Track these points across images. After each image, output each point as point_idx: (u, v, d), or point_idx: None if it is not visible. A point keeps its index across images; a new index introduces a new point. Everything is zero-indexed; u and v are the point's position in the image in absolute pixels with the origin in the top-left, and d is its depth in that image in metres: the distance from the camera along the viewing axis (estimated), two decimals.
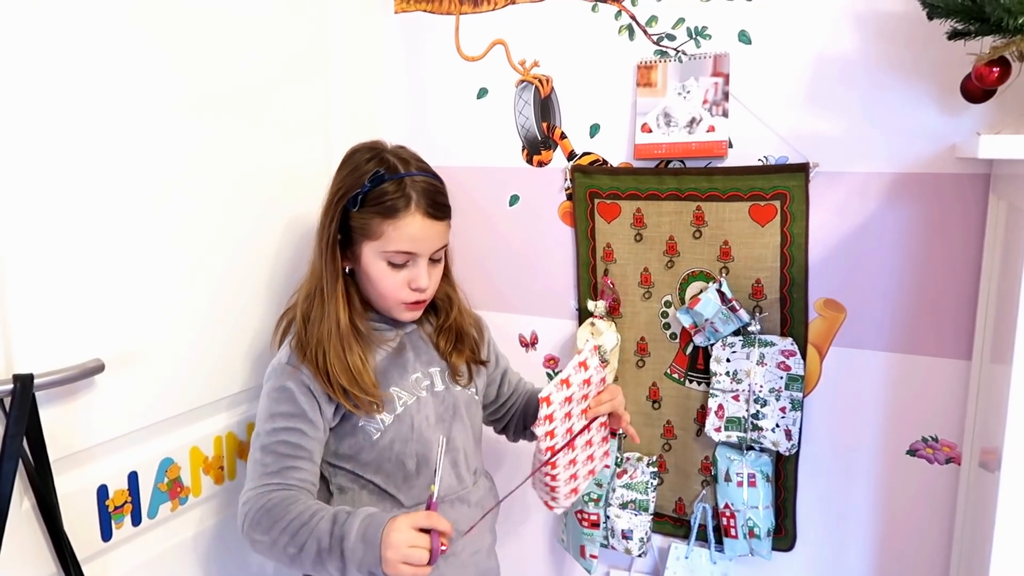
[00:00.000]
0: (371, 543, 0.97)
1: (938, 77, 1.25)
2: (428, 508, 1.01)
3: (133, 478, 1.14)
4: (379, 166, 1.12)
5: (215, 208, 1.24)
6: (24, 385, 0.91)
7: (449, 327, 1.25)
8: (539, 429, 1.08)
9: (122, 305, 1.10)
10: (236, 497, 1.32)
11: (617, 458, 1.54)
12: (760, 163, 1.39)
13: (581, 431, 1.15)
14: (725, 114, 1.39)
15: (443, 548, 0.98)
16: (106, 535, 1.11)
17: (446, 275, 1.25)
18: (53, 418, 1.00)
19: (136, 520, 1.15)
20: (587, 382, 1.13)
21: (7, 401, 0.92)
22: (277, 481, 1.07)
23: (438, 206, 1.13)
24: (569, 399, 1.10)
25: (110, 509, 1.11)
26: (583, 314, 1.57)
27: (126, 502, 1.13)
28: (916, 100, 1.27)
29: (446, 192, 1.17)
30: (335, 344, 1.11)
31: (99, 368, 1.02)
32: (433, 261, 1.16)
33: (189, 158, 1.18)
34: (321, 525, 1.01)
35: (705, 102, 1.40)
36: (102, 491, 1.09)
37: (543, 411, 1.06)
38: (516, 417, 1.39)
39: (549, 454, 1.10)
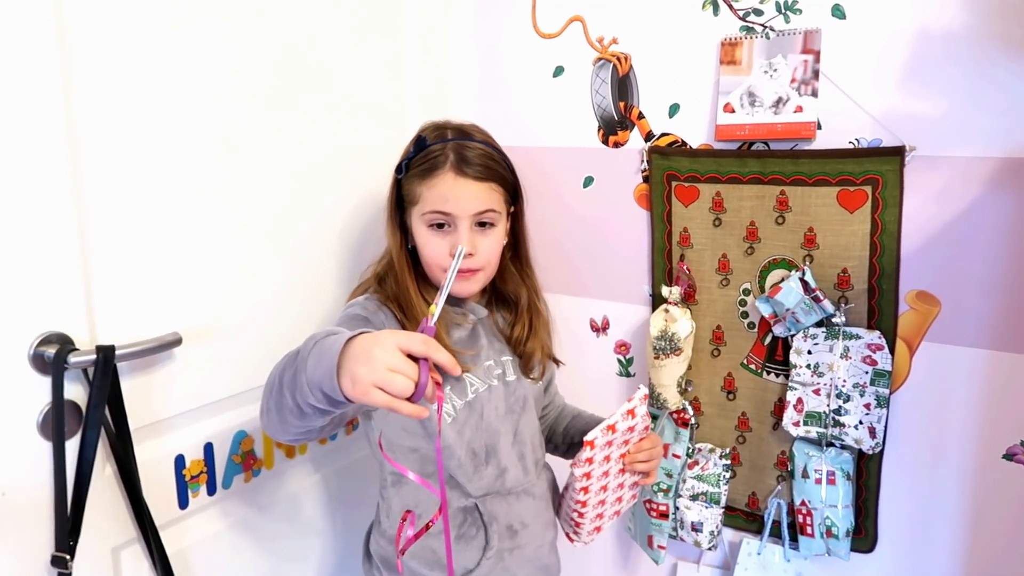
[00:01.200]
0: (330, 349, 0.76)
1: None
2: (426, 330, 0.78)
3: (209, 449, 1.17)
4: (421, 134, 1.12)
5: (291, 186, 1.25)
6: (107, 356, 0.94)
7: (522, 312, 1.23)
8: (578, 470, 1.09)
9: (201, 281, 1.12)
10: (307, 470, 1.36)
11: (689, 448, 1.50)
12: (851, 146, 1.31)
13: (616, 475, 1.16)
14: (815, 94, 1.32)
15: (439, 395, 0.77)
16: (183, 503, 1.14)
17: (520, 267, 1.23)
18: (133, 388, 1.04)
19: (211, 490, 1.18)
20: (631, 429, 1.11)
21: (91, 371, 0.95)
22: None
23: (475, 165, 1.09)
24: (611, 443, 1.10)
25: (187, 478, 1.14)
26: (657, 300, 1.53)
27: (202, 472, 1.16)
28: None
29: (497, 157, 1.13)
30: (418, 301, 1.10)
31: (177, 341, 1.05)
32: (480, 226, 1.11)
33: (266, 137, 1.20)
34: (289, 355, 0.85)
35: (793, 81, 1.33)
36: (179, 460, 1.12)
37: (585, 453, 1.07)
38: (546, 430, 1.35)
39: (583, 494, 1.11)
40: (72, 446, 0.95)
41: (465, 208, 1.09)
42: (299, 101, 1.25)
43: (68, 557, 0.92)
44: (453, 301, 1.17)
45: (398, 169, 1.13)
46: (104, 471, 1.02)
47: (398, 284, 1.12)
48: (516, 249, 1.24)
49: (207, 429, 1.17)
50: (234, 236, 1.17)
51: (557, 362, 1.30)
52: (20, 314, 0.91)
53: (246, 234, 1.19)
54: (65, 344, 0.93)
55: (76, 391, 0.97)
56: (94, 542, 1.01)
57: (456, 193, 1.08)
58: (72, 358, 0.92)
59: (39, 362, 0.92)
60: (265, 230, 1.22)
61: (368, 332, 0.77)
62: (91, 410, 0.94)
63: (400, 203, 1.14)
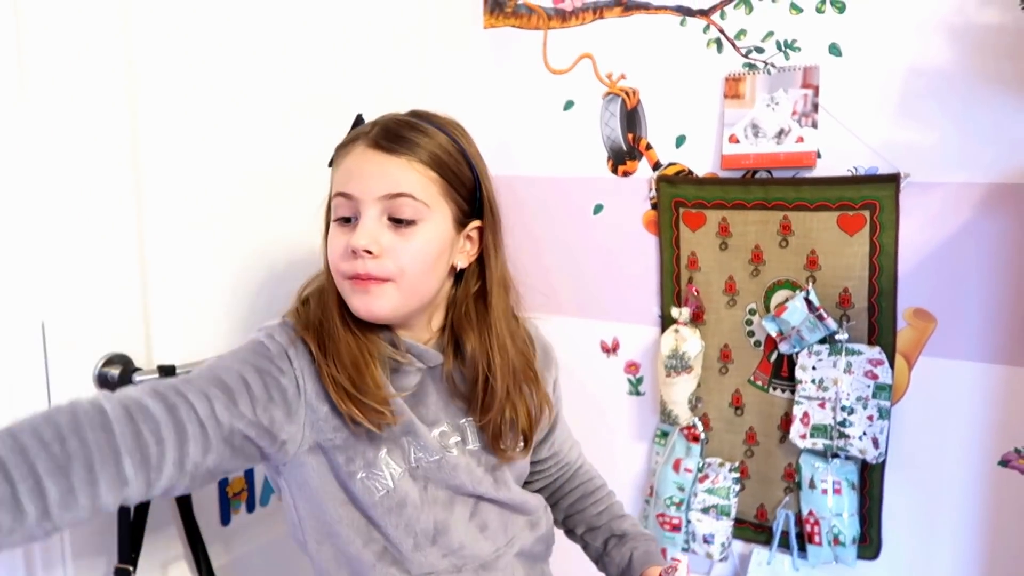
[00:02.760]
0: None
1: None
2: None
3: (250, 469, 1.21)
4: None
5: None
6: (168, 375, 0.98)
7: (478, 389, 0.91)
8: None
9: (253, 301, 1.17)
10: None
11: (699, 463, 1.56)
12: (850, 173, 1.40)
13: None
14: (814, 125, 1.41)
15: None
16: (225, 519, 1.18)
17: (483, 312, 0.91)
18: None
19: (251, 507, 1.22)
20: None
21: None
22: (148, 393, 0.74)
23: (399, 139, 0.82)
24: None
25: (229, 495, 1.18)
26: (666, 321, 1.60)
27: (243, 490, 1.20)
28: (1011, 110, 1.28)
29: (447, 144, 0.86)
30: (343, 333, 0.84)
31: None
32: (394, 221, 0.82)
33: (296, 164, 1.25)
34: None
35: (794, 113, 1.42)
36: (223, 479, 1.16)
37: None
38: (547, 491, 1.13)
39: None
40: None
41: (371, 189, 0.81)
42: (319, 134, 1.31)
43: (131, 569, 0.95)
44: (389, 336, 0.88)
45: (331, 161, 0.89)
46: None
47: (322, 306, 0.85)
48: (482, 283, 0.92)
49: None
50: (284, 258, 1.21)
51: (531, 442, 0.98)
52: (85, 336, 0.96)
53: (294, 257, 1.23)
54: (127, 364, 0.98)
55: None
56: (147, 556, 1.04)
57: (363, 169, 0.82)
58: (136, 377, 0.96)
59: (104, 381, 0.96)
60: (310, 251, 1.26)
61: None
62: None
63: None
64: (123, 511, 0.96)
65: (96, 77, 0.94)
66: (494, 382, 0.90)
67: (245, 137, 1.15)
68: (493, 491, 0.93)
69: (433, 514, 0.88)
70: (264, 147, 1.18)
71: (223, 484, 1.16)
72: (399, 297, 0.83)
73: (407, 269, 0.83)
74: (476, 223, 0.90)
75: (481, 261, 0.92)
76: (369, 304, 0.83)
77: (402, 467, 0.86)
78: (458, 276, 0.92)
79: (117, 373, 0.96)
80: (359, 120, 0.89)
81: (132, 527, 0.98)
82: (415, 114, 0.89)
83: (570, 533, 1.16)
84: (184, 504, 1.06)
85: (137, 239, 1.00)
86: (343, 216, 0.84)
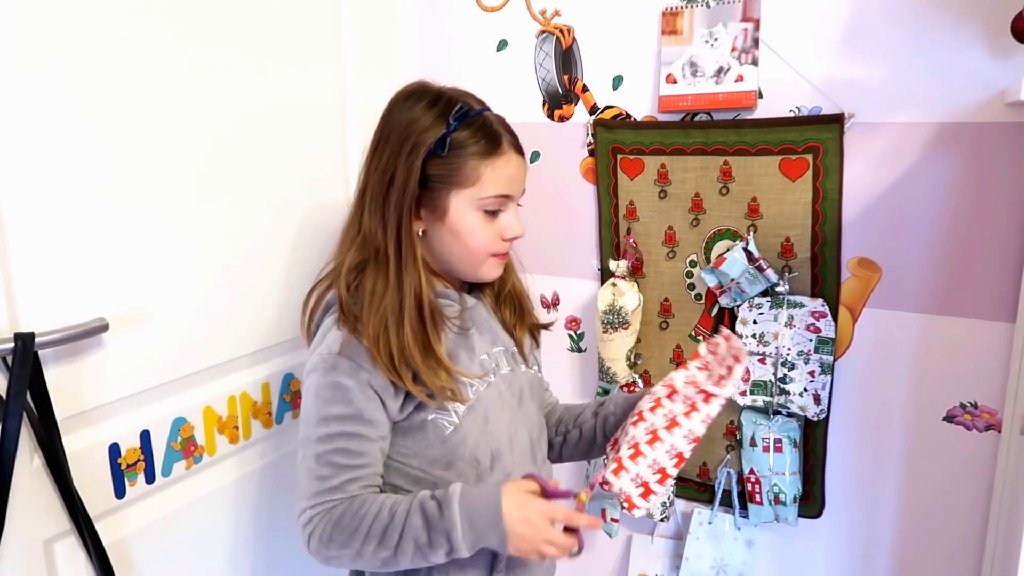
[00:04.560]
0: (486, 533, 0.90)
1: (986, 17, 1.16)
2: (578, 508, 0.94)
3: (145, 437, 1.14)
4: (450, 105, 0.98)
5: (223, 161, 1.21)
6: (25, 343, 0.90)
7: (509, 294, 1.12)
8: (646, 402, 0.97)
9: (128, 263, 1.08)
10: (252, 456, 1.34)
11: None
12: (792, 114, 1.31)
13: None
14: (755, 62, 1.31)
15: (581, 542, 0.95)
16: (119, 492, 1.11)
17: None
18: (60, 377, 1.00)
19: (150, 478, 1.15)
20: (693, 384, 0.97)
21: (9, 360, 0.91)
22: (339, 497, 0.95)
23: (519, 142, 1.03)
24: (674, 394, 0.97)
25: (123, 467, 1.11)
26: (605, 274, 1.52)
27: (139, 460, 1.13)
28: (962, 43, 1.18)
29: None
30: (410, 320, 0.95)
31: (103, 327, 1.01)
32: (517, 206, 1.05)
33: (195, 111, 1.16)
34: (411, 521, 0.92)
35: (734, 50, 1.32)
36: (114, 449, 1.09)
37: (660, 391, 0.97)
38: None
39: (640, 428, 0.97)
40: None
41: (521, 189, 1.04)
42: (230, 72, 1.21)
43: None
44: (447, 292, 1.05)
45: (438, 145, 0.96)
46: (32, 462, 0.98)
47: (398, 292, 0.96)
48: None
49: (143, 417, 1.14)
50: (164, 214, 1.13)
51: (546, 327, 1.19)
52: None
53: (177, 212, 1.14)
54: None
55: None
56: (24, 535, 0.97)
57: (520, 174, 1.02)
58: None
59: None
60: (197, 208, 1.18)
61: (504, 497, 0.91)
62: (11, 400, 0.90)
63: (423, 184, 0.98)
64: None
65: None
66: (516, 281, 1.15)
67: (111, 85, 1.05)
68: (518, 408, 1.08)
69: (490, 444, 1.02)
70: (132, 96, 1.08)
71: (115, 455, 1.10)
72: None
73: None
74: None
75: None
76: (500, 271, 1.07)
77: (464, 404, 1.01)
78: None
79: None
80: (465, 111, 0.98)
81: None
82: (482, 103, 1.03)
83: (564, 448, 1.20)
84: (61, 477, 0.99)
85: None
86: (494, 210, 1.00)
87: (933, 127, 1.23)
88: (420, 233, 1.01)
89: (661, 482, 0.94)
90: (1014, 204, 1.20)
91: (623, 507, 0.95)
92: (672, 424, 0.95)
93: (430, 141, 0.96)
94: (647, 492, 0.94)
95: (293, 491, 1.40)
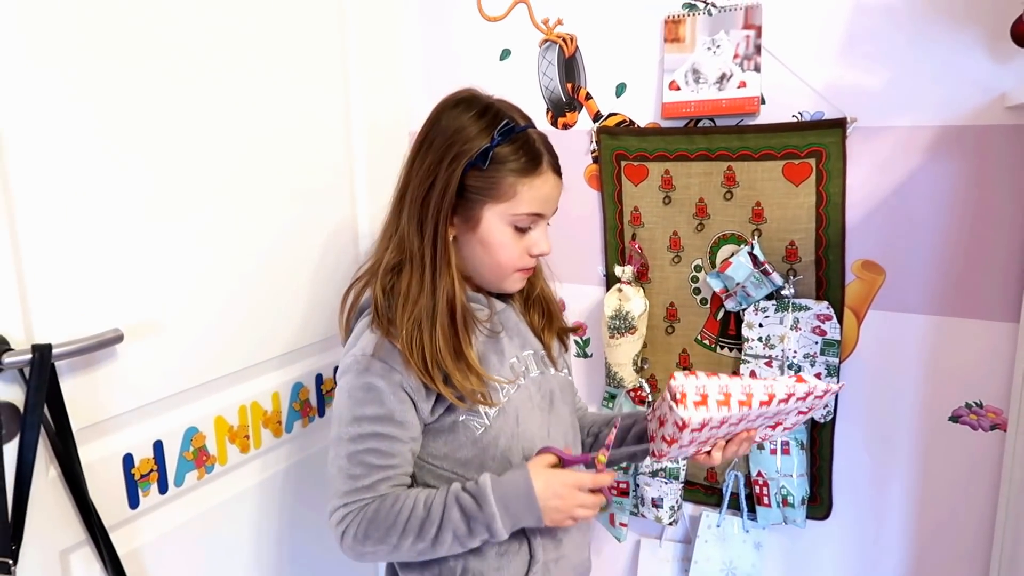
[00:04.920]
0: (522, 514, 0.96)
1: (986, 21, 1.17)
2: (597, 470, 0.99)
3: (158, 447, 1.14)
4: (497, 119, 0.99)
5: (235, 174, 1.23)
6: (43, 355, 0.91)
7: (537, 298, 1.15)
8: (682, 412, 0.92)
9: (142, 275, 1.09)
10: (262, 464, 1.34)
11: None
12: (794, 119, 1.33)
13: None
14: (757, 69, 1.33)
15: (609, 497, 1.02)
16: (133, 503, 1.11)
17: None
18: (75, 388, 1.01)
19: (163, 488, 1.16)
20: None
21: (27, 371, 0.92)
22: (370, 496, 0.98)
23: (559, 162, 1.05)
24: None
25: (136, 477, 1.11)
26: (611, 280, 1.53)
27: (152, 470, 1.14)
28: (963, 47, 1.20)
29: None
30: (442, 323, 0.98)
31: (118, 338, 1.02)
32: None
33: (206, 126, 1.17)
34: (449, 515, 0.96)
35: (736, 57, 1.34)
36: (127, 460, 1.10)
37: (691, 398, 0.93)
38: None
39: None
40: (11, 449, 0.92)
41: (554, 208, 1.06)
42: (239, 86, 1.22)
43: (11, 562, 0.89)
44: (477, 297, 1.08)
45: (480, 158, 0.97)
46: (48, 473, 0.99)
47: (433, 296, 0.98)
48: None
49: (156, 427, 1.14)
50: (177, 226, 1.14)
51: (574, 331, 1.24)
52: None
53: (189, 224, 1.16)
54: (1, 344, 0.90)
55: (13, 392, 0.94)
56: (41, 546, 0.98)
57: (555, 194, 1.04)
58: (7, 358, 0.89)
59: None
60: (209, 220, 1.19)
61: (533, 477, 0.96)
62: (29, 412, 0.91)
63: (460, 192, 0.99)
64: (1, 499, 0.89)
65: None
66: (544, 286, 1.17)
67: (126, 100, 1.06)
68: (549, 411, 1.10)
69: (522, 444, 1.04)
70: (147, 110, 1.09)
71: (128, 465, 1.10)
72: None
73: None
74: None
75: None
76: (522, 284, 1.09)
77: (495, 407, 1.02)
78: None
79: None
80: (511, 128, 0.99)
81: (14, 515, 0.91)
82: (528, 119, 1.05)
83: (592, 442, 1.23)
84: (77, 488, 0.99)
85: (7, 209, 0.92)
86: (525, 227, 1.02)
87: (935, 131, 1.25)
88: (451, 239, 1.02)
89: (722, 404, 0.93)
90: (1016, 206, 1.21)
91: (674, 402, 0.92)
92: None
93: (473, 152, 0.98)
94: (703, 401, 0.93)
95: (304, 499, 1.42)
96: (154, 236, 1.10)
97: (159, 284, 1.12)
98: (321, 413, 1.46)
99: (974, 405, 1.30)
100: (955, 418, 1.32)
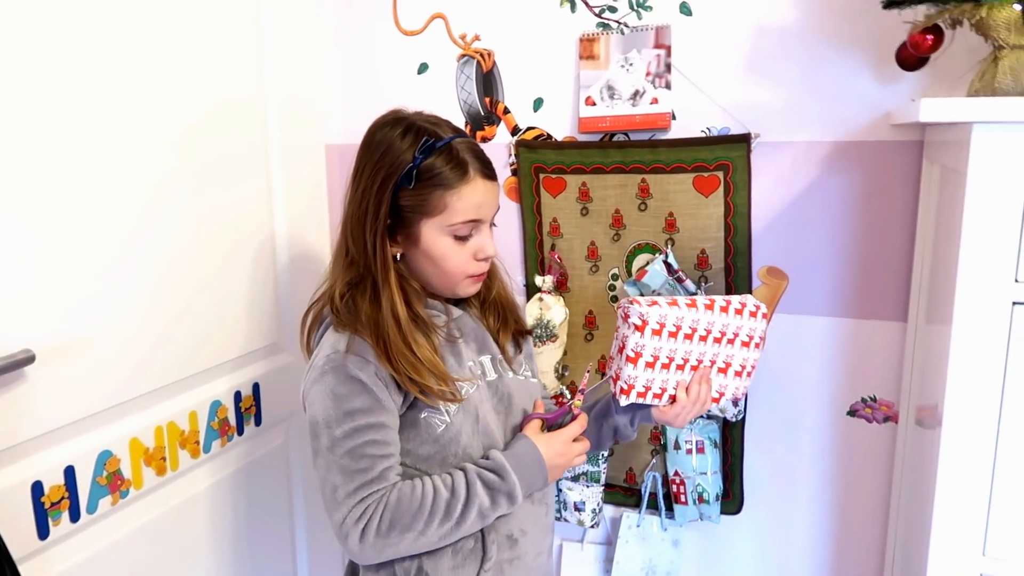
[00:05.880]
0: (535, 479, 1.05)
1: (874, 46, 1.28)
2: (573, 417, 1.09)
3: (70, 472, 1.08)
4: (418, 137, 1.02)
5: (148, 190, 1.18)
6: None
7: (494, 300, 1.17)
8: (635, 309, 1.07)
9: (53, 294, 1.04)
10: (180, 487, 1.29)
11: None
12: (703, 134, 1.40)
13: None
14: (668, 86, 1.39)
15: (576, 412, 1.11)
16: (43, 533, 1.05)
17: None
18: None
19: (75, 516, 1.10)
20: (728, 335, 1.13)
21: None
22: (384, 486, 1.00)
23: (490, 165, 1.06)
24: (695, 331, 1.10)
25: (46, 506, 1.05)
26: (531, 290, 1.56)
27: (63, 498, 1.08)
28: (853, 69, 1.30)
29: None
30: (395, 339, 1.00)
31: (29, 359, 0.97)
32: (491, 226, 1.10)
33: (124, 136, 1.12)
34: (473, 489, 1.01)
35: (648, 74, 1.40)
36: (36, 488, 1.04)
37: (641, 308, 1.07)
38: None
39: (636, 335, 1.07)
40: None
41: (492, 212, 1.07)
42: (150, 95, 1.18)
43: None
44: (434, 304, 1.10)
45: (404, 179, 1.00)
46: None
47: (384, 312, 1.01)
48: None
49: (67, 452, 1.08)
50: (89, 244, 1.09)
51: (528, 332, 1.23)
52: None
53: (102, 242, 1.11)
54: None
55: None
56: None
57: (487, 198, 1.05)
58: None
59: None
60: (123, 237, 1.14)
61: (536, 444, 1.06)
62: None
63: (394, 215, 1.03)
64: None
65: None
66: (501, 288, 1.19)
67: (37, 107, 1.01)
68: (507, 414, 1.14)
69: (483, 441, 1.08)
70: (59, 117, 1.04)
71: (37, 493, 1.04)
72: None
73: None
74: None
75: None
76: (478, 287, 1.11)
77: (455, 404, 1.05)
78: None
79: None
80: (431, 144, 1.01)
81: None
82: (456, 129, 1.07)
83: None
84: None
85: None
86: (464, 235, 1.04)
87: (829, 146, 1.35)
88: (399, 256, 1.06)
89: (672, 304, 1.09)
90: (902, 214, 1.33)
91: (629, 304, 1.08)
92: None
93: (399, 173, 1.01)
94: (654, 303, 1.08)
95: (225, 520, 1.38)
96: (65, 254, 1.05)
97: (72, 302, 1.07)
98: (240, 431, 1.42)
99: (869, 400, 1.40)
100: (852, 412, 1.42)
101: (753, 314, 1.15)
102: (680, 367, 1.11)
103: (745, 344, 1.15)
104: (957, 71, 1.22)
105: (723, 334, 1.12)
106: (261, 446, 1.49)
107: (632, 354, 1.07)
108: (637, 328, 1.06)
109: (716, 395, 1.16)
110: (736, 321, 1.13)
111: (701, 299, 1.11)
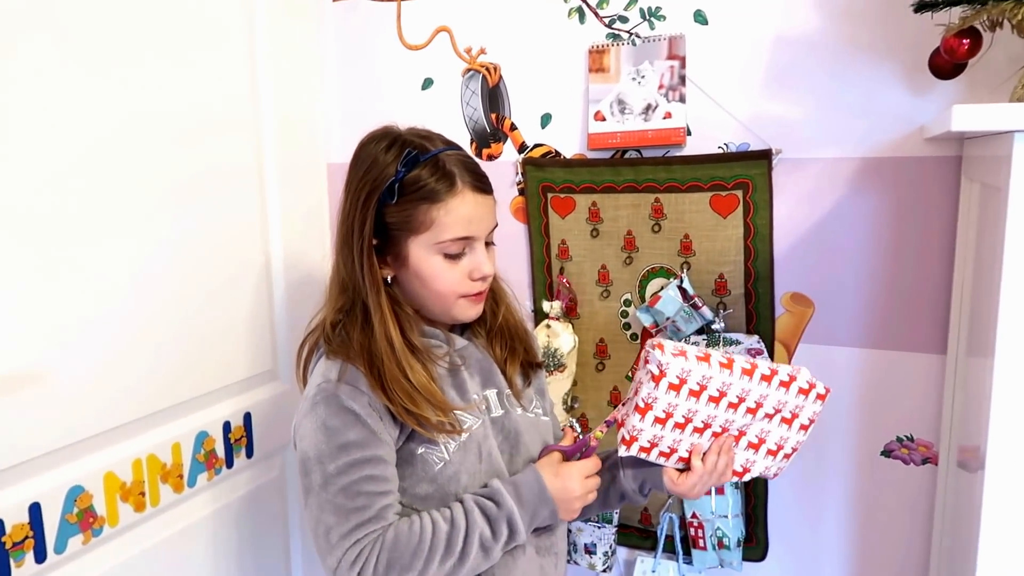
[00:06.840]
0: (539, 510, 0.96)
1: (905, 54, 1.18)
2: (587, 452, 1.01)
3: (35, 510, 1.02)
4: (400, 151, 0.95)
5: (131, 208, 1.13)
6: None
7: (501, 328, 1.09)
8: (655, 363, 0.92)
9: (18, 320, 0.98)
10: (160, 524, 1.23)
11: None
12: (720, 151, 1.31)
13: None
14: (682, 99, 1.31)
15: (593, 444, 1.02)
16: (3, 574, 0.99)
17: None
18: None
19: (40, 557, 1.03)
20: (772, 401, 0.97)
21: None
22: (381, 525, 0.93)
23: (483, 178, 0.99)
24: (725, 394, 0.94)
25: (7, 546, 0.99)
26: (539, 315, 1.48)
27: (27, 537, 1.01)
28: (883, 79, 1.21)
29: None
30: (389, 366, 0.94)
31: None
32: (488, 244, 1.01)
33: (110, 157, 1.07)
34: (472, 518, 0.94)
35: (661, 87, 1.32)
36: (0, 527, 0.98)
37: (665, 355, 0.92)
38: None
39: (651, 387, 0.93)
40: None
41: (486, 228, 0.99)
42: (144, 120, 1.13)
43: None
44: (435, 332, 1.03)
45: (386, 194, 0.94)
46: None
47: (377, 339, 0.95)
48: None
49: (33, 488, 1.02)
50: (59, 269, 1.03)
51: (539, 365, 1.14)
52: None
53: (73, 267, 1.05)
54: None
55: None
56: None
57: (478, 212, 0.97)
58: None
59: None
60: (95, 262, 1.08)
61: (542, 474, 0.98)
62: None
63: (381, 234, 0.97)
64: None
65: None
66: (508, 315, 1.10)
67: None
68: (513, 452, 1.05)
69: (487, 482, 1.00)
70: (26, 134, 0.99)
71: None
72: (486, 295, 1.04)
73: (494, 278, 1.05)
74: None
75: None
76: (478, 310, 1.02)
77: (455, 441, 0.98)
78: None
79: None
80: (414, 156, 0.95)
81: None
82: (448, 142, 1.01)
83: None
84: None
85: None
86: (456, 253, 0.97)
87: (857, 162, 1.25)
88: (389, 279, 1.00)
89: (701, 360, 0.94)
90: (939, 236, 1.22)
91: (651, 349, 0.94)
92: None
93: (381, 188, 0.95)
94: (681, 354, 0.93)
95: (209, 560, 1.30)
96: (33, 280, 0.99)
97: (38, 328, 1.01)
98: (229, 464, 1.35)
99: (905, 439, 1.29)
100: (887, 452, 1.30)
101: (804, 391, 0.98)
102: (698, 430, 0.97)
103: (786, 421, 0.99)
104: (997, 79, 1.12)
105: (759, 405, 0.97)
106: (253, 480, 1.42)
107: (642, 404, 0.94)
108: (653, 378, 0.92)
109: (740, 469, 1.03)
110: (779, 394, 0.97)
111: (740, 360, 0.95)
